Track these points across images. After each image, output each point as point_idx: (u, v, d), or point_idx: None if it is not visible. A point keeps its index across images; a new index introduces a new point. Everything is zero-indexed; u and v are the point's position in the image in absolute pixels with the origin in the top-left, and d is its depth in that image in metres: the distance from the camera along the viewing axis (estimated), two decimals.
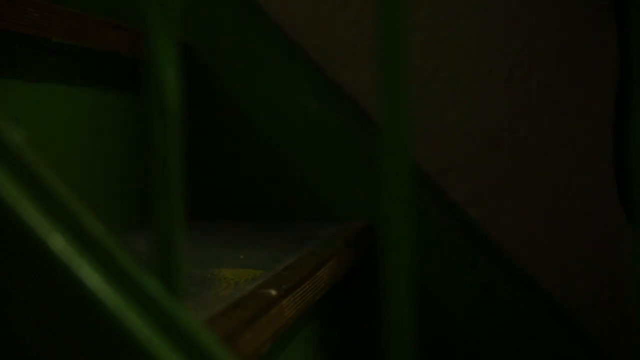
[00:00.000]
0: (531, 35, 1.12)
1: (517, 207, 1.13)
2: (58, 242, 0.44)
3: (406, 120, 0.42)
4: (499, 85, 1.13)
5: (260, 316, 0.59)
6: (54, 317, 0.44)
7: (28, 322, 0.44)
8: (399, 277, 0.42)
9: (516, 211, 1.13)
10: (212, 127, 1.16)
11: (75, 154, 0.90)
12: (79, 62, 0.91)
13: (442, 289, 1.08)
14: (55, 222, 0.44)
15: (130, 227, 0.97)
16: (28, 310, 0.44)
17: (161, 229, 0.44)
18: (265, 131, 1.14)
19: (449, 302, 1.08)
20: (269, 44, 1.14)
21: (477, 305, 1.08)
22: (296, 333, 0.81)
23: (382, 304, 0.42)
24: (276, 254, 0.84)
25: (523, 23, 1.12)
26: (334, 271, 0.84)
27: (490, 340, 1.08)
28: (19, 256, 0.44)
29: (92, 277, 0.43)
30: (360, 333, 1.11)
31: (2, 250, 0.44)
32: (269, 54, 1.13)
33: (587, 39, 1.11)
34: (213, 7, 1.15)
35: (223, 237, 1.01)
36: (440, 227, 1.09)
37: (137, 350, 0.43)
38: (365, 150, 1.11)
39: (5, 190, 0.44)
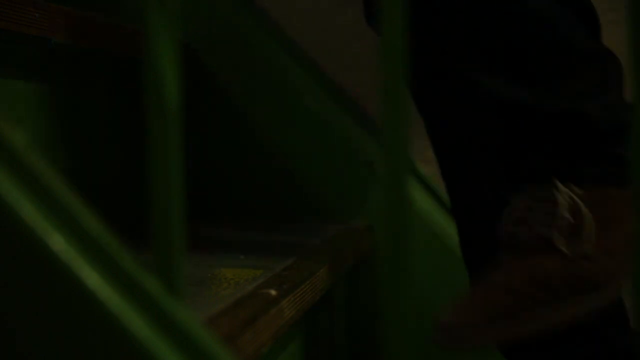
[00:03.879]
0: None
1: None
2: (58, 242, 0.44)
3: (406, 121, 0.42)
4: None
5: (260, 316, 0.59)
6: (54, 316, 0.44)
7: (28, 321, 0.44)
8: (398, 277, 0.42)
9: None
10: (212, 127, 1.16)
11: (76, 154, 0.90)
12: (79, 62, 0.91)
13: (440, 288, 1.08)
14: (55, 222, 0.44)
15: (131, 226, 0.97)
16: (28, 310, 0.44)
17: (161, 228, 0.44)
18: (265, 131, 1.14)
19: (447, 301, 1.08)
20: (269, 44, 1.14)
21: None
22: (296, 333, 0.81)
23: (381, 303, 0.42)
24: (276, 254, 0.84)
25: None
26: (334, 271, 0.84)
27: None
28: (19, 256, 0.44)
29: (92, 277, 0.43)
30: (360, 333, 1.11)
31: (2, 250, 0.44)
32: (269, 54, 1.13)
33: None
34: (213, 7, 1.14)
35: (223, 237, 1.01)
36: (439, 228, 1.09)
37: (137, 350, 0.43)
38: (366, 150, 1.11)
39: (5, 190, 0.44)
